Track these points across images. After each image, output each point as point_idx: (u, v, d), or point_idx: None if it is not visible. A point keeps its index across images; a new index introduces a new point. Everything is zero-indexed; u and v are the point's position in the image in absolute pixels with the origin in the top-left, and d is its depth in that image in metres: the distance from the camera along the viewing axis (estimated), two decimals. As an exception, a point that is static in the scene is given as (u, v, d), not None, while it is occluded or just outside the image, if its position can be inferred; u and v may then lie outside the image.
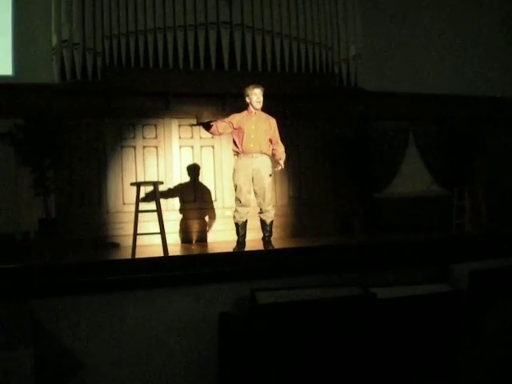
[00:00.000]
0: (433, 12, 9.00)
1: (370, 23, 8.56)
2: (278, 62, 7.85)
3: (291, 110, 7.89)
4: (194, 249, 6.60)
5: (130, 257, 5.26)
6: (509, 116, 8.94)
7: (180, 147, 7.59)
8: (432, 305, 2.51)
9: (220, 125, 5.43)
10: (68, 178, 7.02)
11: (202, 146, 7.67)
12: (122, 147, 7.35)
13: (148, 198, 6.76)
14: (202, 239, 7.43)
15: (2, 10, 7.11)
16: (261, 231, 5.52)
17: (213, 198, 7.61)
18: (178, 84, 7.34)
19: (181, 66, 7.44)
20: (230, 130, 5.45)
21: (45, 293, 2.44)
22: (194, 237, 7.44)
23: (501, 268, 2.84)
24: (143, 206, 6.25)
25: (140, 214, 5.61)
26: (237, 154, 5.45)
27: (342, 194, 8.14)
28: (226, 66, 7.56)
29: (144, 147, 7.45)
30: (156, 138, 7.52)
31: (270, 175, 5.45)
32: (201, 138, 7.64)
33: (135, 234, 5.54)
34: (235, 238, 5.51)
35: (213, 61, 7.52)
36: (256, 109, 5.40)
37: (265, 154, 5.40)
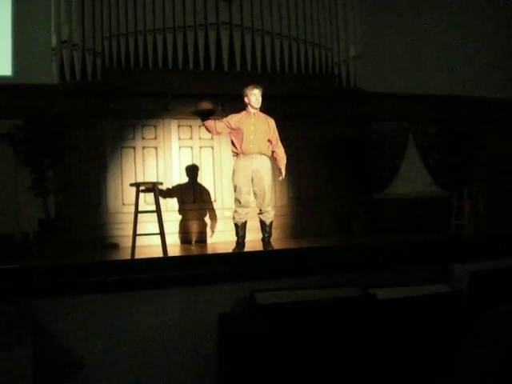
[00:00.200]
0: (432, 13, 9.01)
1: (369, 24, 8.57)
2: (278, 63, 7.86)
3: (291, 110, 7.88)
4: (194, 249, 6.60)
5: (129, 257, 5.26)
6: (508, 117, 8.94)
7: (179, 148, 7.59)
8: (432, 305, 2.51)
9: (218, 124, 5.43)
10: (67, 179, 7.02)
11: (201, 147, 7.67)
12: (122, 148, 7.36)
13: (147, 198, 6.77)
14: (202, 240, 7.43)
15: (2, 11, 7.11)
16: (260, 232, 5.53)
17: (212, 199, 7.61)
18: (178, 85, 7.35)
19: (180, 67, 7.44)
20: (228, 130, 5.45)
21: (44, 293, 2.44)
22: (194, 237, 7.44)
23: (500, 269, 2.84)
24: (143, 206, 6.26)
25: (139, 215, 5.62)
26: (236, 154, 5.46)
27: (342, 195, 8.14)
28: (226, 67, 7.57)
29: (143, 148, 7.45)
30: (155, 138, 7.52)
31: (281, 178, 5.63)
32: (200, 138, 7.65)
33: (135, 235, 5.54)
34: (235, 238, 5.51)
35: (212, 61, 7.52)
36: (254, 109, 5.40)
37: (264, 154, 5.40)
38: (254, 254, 3.96)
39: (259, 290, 2.41)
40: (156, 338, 2.63)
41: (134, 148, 7.41)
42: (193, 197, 7.54)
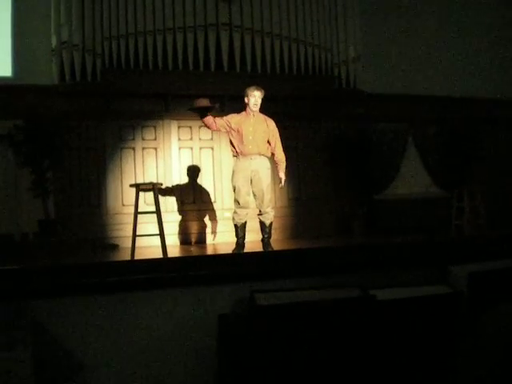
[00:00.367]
0: (432, 14, 9.01)
1: (369, 25, 8.57)
2: (278, 64, 7.86)
3: (290, 111, 7.89)
4: (193, 250, 6.60)
5: (129, 258, 5.26)
6: (508, 117, 8.94)
7: (179, 149, 7.59)
8: (431, 306, 2.51)
9: (218, 121, 5.43)
10: (67, 180, 7.02)
11: (201, 148, 7.67)
12: (122, 149, 7.36)
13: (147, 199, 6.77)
14: (201, 241, 7.43)
15: (2, 11, 7.11)
16: (260, 233, 5.53)
17: (212, 200, 7.61)
18: (178, 85, 7.35)
19: (180, 68, 7.44)
20: (226, 129, 5.44)
21: (44, 294, 2.44)
22: (193, 238, 7.44)
23: (500, 270, 2.84)
24: (142, 207, 6.26)
25: (139, 216, 5.62)
26: (235, 155, 5.46)
27: (342, 196, 8.14)
28: (226, 68, 7.57)
29: (143, 149, 7.45)
30: (155, 139, 7.52)
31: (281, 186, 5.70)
32: (200, 139, 7.65)
33: (134, 236, 5.55)
34: (234, 239, 5.51)
35: (212, 62, 7.52)
36: (253, 111, 5.40)
37: (263, 155, 5.40)
38: (253, 255, 3.96)
39: (259, 291, 2.41)
40: (156, 338, 2.63)
41: (133, 149, 7.42)
42: (192, 198, 7.54)
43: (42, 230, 6.53)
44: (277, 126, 5.55)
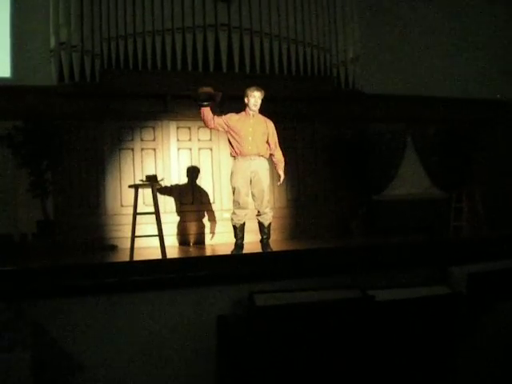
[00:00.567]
0: (431, 14, 9.02)
1: (368, 26, 8.58)
2: (276, 65, 7.86)
3: (289, 112, 7.89)
4: (192, 251, 6.59)
5: (127, 259, 5.25)
6: (507, 118, 8.95)
7: (178, 149, 7.59)
8: (431, 307, 2.51)
9: (217, 119, 5.41)
10: (66, 180, 7.02)
11: (200, 149, 7.67)
12: (120, 149, 7.35)
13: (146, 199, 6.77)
14: (200, 241, 7.42)
15: (0, 12, 7.10)
16: (259, 234, 5.52)
17: (211, 201, 7.61)
18: (177, 86, 7.33)
19: (179, 69, 7.44)
20: (225, 128, 5.41)
21: (43, 295, 2.44)
22: (192, 239, 7.44)
23: (499, 270, 2.84)
24: (141, 208, 6.26)
25: (138, 216, 5.61)
26: (234, 155, 5.45)
27: (341, 197, 8.14)
28: (225, 69, 7.57)
29: (142, 149, 7.45)
30: (154, 140, 7.52)
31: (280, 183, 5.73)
32: (199, 140, 7.65)
33: (133, 236, 5.54)
34: (233, 240, 5.50)
35: (211, 63, 7.52)
36: (253, 111, 5.39)
37: (262, 156, 5.39)
38: (252, 256, 3.96)
39: (258, 292, 2.41)
40: (155, 339, 2.62)
41: (132, 149, 7.41)
42: (191, 198, 7.54)
43: (40, 230, 6.53)
44: (276, 127, 5.54)
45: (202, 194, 7.56)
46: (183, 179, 7.55)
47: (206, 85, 5.39)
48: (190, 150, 7.64)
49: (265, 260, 3.14)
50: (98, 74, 7.11)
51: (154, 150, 7.50)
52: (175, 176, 7.53)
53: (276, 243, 6.42)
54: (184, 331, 2.67)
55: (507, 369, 1.80)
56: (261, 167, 5.35)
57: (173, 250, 6.48)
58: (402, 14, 8.84)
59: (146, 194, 6.80)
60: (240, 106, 5.53)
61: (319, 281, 2.72)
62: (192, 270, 2.76)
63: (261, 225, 5.47)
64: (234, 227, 5.44)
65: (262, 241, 5.48)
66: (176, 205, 7.44)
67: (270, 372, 2.27)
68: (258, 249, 5.42)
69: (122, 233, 6.97)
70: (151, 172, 7.38)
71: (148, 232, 5.83)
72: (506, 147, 8.85)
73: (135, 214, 5.56)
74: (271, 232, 5.58)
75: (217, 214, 7.54)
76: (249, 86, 5.46)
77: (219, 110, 6.47)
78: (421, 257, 3.12)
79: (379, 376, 2.33)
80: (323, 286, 2.56)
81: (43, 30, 7.12)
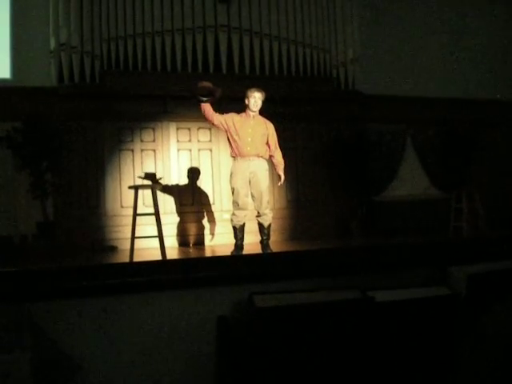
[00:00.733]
0: (430, 15, 9.03)
1: (367, 26, 8.59)
2: (276, 65, 7.87)
3: (289, 113, 7.89)
4: (192, 252, 6.60)
5: (127, 260, 5.26)
6: (507, 118, 8.95)
7: (178, 150, 7.59)
8: (430, 308, 2.51)
9: (217, 117, 5.40)
10: (66, 181, 7.02)
11: (199, 149, 7.67)
12: (120, 150, 7.36)
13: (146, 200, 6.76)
14: (200, 242, 7.43)
15: (0, 13, 7.11)
16: (259, 235, 5.52)
17: (211, 201, 7.61)
18: (176, 87, 7.34)
19: (179, 70, 7.45)
20: (224, 127, 5.41)
21: (43, 296, 2.44)
22: (192, 240, 7.44)
23: (499, 271, 2.84)
24: (141, 209, 6.26)
25: (138, 217, 5.61)
26: (234, 156, 5.45)
27: (340, 197, 8.14)
28: (224, 70, 7.57)
29: (142, 150, 7.45)
30: (154, 141, 7.52)
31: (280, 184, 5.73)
32: (199, 141, 7.65)
33: (133, 237, 5.53)
34: (233, 241, 5.51)
35: (211, 64, 7.53)
36: (253, 112, 5.40)
37: (262, 157, 5.40)
38: (252, 257, 3.96)
39: (258, 293, 2.41)
40: (154, 340, 2.62)
41: (132, 150, 7.42)
42: (191, 199, 7.54)
43: (40, 232, 6.53)
44: (275, 128, 5.55)
45: (202, 194, 7.56)
46: (183, 180, 7.55)
47: (206, 81, 5.40)
48: (190, 150, 7.65)
49: (265, 261, 3.13)
50: (97, 75, 7.12)
51: (154, 150, 7.50)
52: (175, 177, 7.53)
53: (276, 244, 6.43)
54: (184, 332, 2.67)
55: (507, 370, 1.80)
56: (260, 168, 5.35)
57: (173, 250, 6.49)
58: (402, 15, 8.85)
59: (145, 195, 6.80)
60: (240, 107, 5.54)
61: (319, 282, 2.72)
62: (192, 271, 2.76)
63: (261, 226, 5.47)
64: (234, 228, 5.45)
65: (261, 242, 5.49)
66: (176, 206, 7.45)
67: (270, 373, 2.27)
68: (257, 250, 5.42)
69: (121, 234, 6.97)
70: (151, 173, 7.42)
71: (148, 233, 5.83)
72: (505, 147, 8.85)
73: (135, 215, 5.56)
74: (271, 233, 5.59)
75: (216, 215, 7.55)
76: (248, 86, 5.46)
77: (219, 112, 6.47)
78: (420, 257, 3.12)
79: (379, 376, 2.33)
80: (323, 287, 2.56)
81: (43, 30, 7.13)
